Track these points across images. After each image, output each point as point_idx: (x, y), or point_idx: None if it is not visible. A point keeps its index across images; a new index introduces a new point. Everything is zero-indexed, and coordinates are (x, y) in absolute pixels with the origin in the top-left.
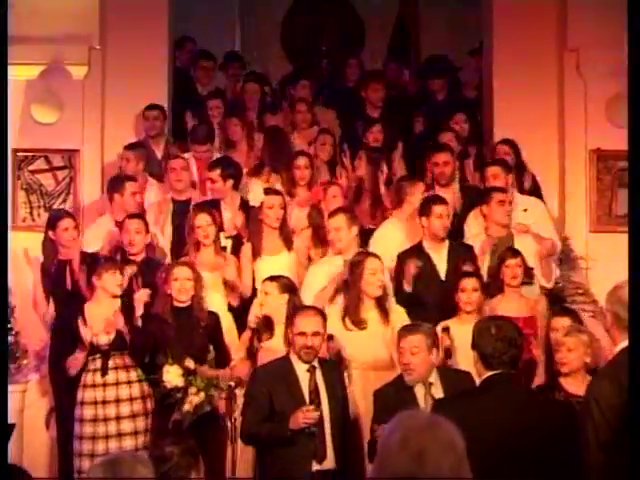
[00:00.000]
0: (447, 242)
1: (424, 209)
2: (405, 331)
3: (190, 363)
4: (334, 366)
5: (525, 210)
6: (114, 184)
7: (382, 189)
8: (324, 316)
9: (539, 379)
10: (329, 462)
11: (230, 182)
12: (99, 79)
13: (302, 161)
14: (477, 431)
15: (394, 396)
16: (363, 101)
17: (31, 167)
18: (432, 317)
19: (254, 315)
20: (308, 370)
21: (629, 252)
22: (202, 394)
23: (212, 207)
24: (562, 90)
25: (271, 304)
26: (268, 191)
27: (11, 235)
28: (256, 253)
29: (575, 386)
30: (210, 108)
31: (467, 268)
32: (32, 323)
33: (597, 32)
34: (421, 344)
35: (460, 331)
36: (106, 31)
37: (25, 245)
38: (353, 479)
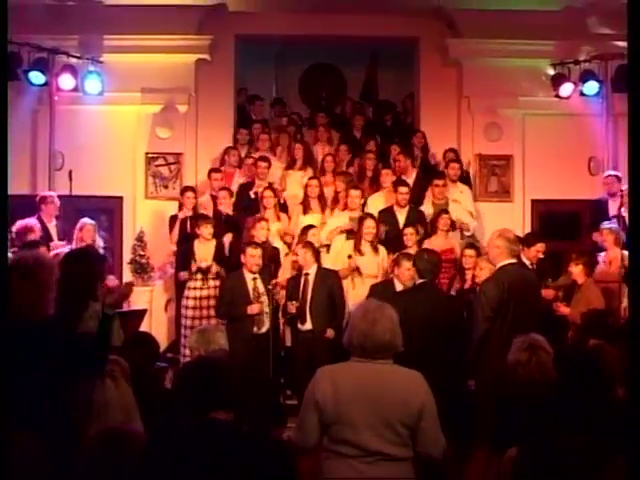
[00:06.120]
0: (408, 207)
1: (395, 189)
2: (405, 257)
3: None
4: (329, 275)
5: (461, 192)
6: (210, 173)
7: (370, 174)
8: (309, 249)
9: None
10: (307, 325)
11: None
12: (194, 112)
13: (329, 158)
14: (413, 313)
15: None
16: (351, 125)
17: (155, 163)
18: (393, 247)
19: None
20: (305, 274)
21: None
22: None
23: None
24: (459, 120)
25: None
26: (311, 177)
27: (144, 202)
28: (305, 212)
29: None
30: (254, 127)
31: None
32: (157, 251)
33: (480, 86)
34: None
35: None
36: (198, 85)
37: (152, 208)
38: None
